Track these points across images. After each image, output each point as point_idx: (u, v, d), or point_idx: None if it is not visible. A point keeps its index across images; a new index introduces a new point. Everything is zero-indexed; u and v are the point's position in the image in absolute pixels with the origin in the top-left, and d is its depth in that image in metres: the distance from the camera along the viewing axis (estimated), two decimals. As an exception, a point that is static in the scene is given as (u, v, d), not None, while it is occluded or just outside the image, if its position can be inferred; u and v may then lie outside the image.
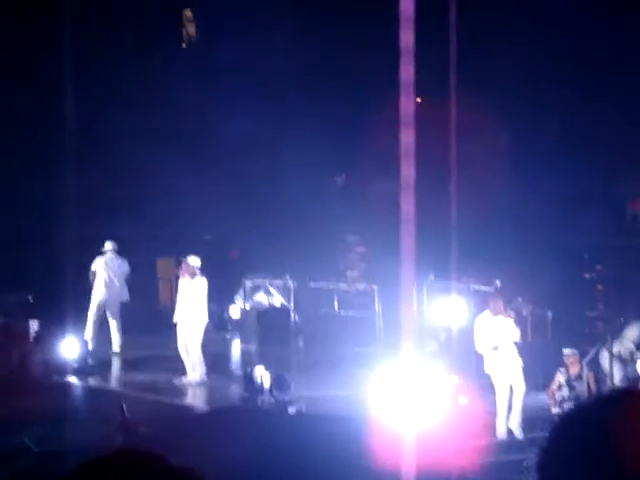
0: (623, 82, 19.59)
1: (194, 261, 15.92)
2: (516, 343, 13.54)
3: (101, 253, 17.54)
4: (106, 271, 17.28)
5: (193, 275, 15.76)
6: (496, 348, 13.59)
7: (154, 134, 22.73)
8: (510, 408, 13.51)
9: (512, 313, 13.89)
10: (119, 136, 22.60)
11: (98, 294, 17.29)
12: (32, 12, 21.87)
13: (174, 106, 22.97)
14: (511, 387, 13.58)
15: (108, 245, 17.48)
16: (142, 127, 22.64)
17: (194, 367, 15.66)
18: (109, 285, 17.30)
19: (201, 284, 15.75)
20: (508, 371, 13.49)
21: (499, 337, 13.69)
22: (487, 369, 13.80)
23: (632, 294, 18.61)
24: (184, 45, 25.61)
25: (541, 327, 15.36)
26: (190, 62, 23.98)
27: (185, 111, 23.01)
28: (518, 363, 13.44)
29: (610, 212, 19.86)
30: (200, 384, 15.62)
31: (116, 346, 17.29)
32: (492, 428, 13.57)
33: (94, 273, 17.18)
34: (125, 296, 17.56)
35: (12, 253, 20.35)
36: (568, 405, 13.08)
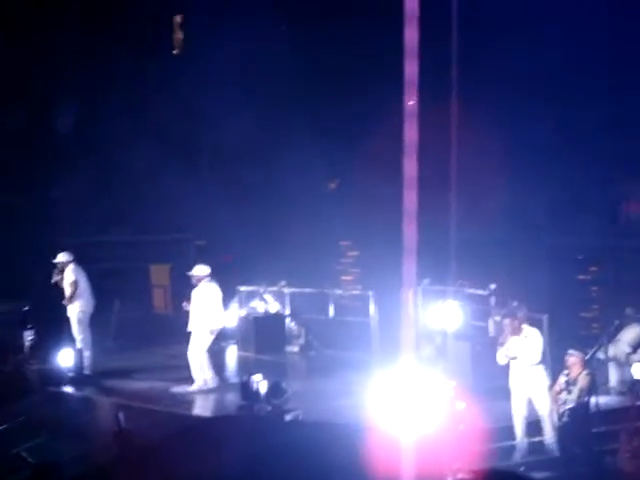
0: (619, 84, 19.57)
1: (197, 270, 15.94)
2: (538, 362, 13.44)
3: (66, 263, 17.22)
4: (84, 280, 17.15)
5: (200, 283, 15.83)
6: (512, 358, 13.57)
7: (147, 140, 22.70)
8: (526, 422, 13.47)
9: (531, 332, 13.77)
10: (112, 142, 22.57)
11: (88, 303, 17.17)
12: (24, 15, 21.85)
13: (167, 111, 22.93)
14: (531, 402, 13.54)
15: (66, 256, 17.19)
16: (135, 133, 22.61)
17: (198, 372, 15.70)
18: (87, 295, 17.17)
19: (204, 290, 15.78)
20: (525, 389, 13.46)
21: (513, 356, 13.65)
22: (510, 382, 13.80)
23: (627, 295, 18.59)
24: (176, 51, 25.58)
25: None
26: (182, 68, 23.94)
27: (178, 116, 22.98)
28: (539, 382, 13.37)
29: (605, 214, 19.84)
30: (197, 393, 15.55)
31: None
32: (491, 433, 13.51)
33: (76, 282, 17.01)
34: (93, 305, 17.44)
35: (7, 262, 20.29)
36: (566, 408, 13.03)
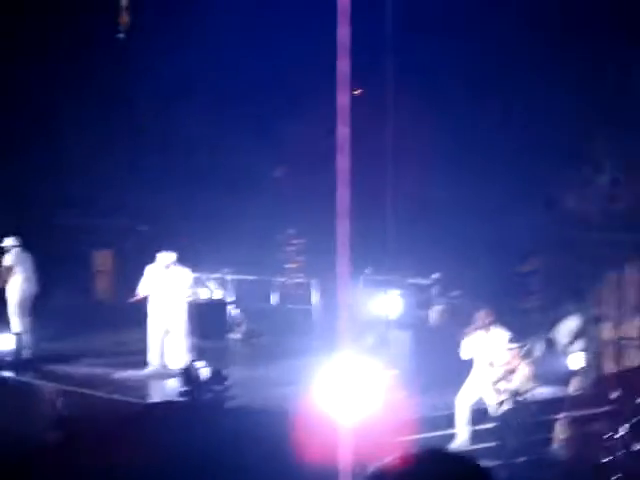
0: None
1: (167, 258, 16.05)
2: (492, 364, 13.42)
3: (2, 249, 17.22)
4: (22, 265, 17.08)
5: (170, 268, 15.93)
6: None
7: (91, 123, 22.57)
8: (470, 411, 13.56)
9: (500, 335, 13.67)
10: (56, 125, 22.40)
11: (29, 288, 17.09)
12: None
13: (111, 96, 22.80)
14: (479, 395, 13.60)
15: (11, 241, 17.18)
16: (79, 116, 22.47)
17: (177, 352, 15.78)
18: (29, 280, 17.11)
19: (179, 273, 15.98)
20: (481, 385, 13.52)
21: (480, 353, 13.63)
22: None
23: (566, 286, 18.81)
24: (121, 34, 25.40)
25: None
26: (126, 50, 23.78)
27: (123, 99, 22.85)
28: (490, 380, 13.42)
29: (541, 202, 20.00)
30: (146, 377, 15.57)
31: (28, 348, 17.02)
32: (431, 421, 13.67)
33: (11, 267, 16.96)
34: (35, 290, 17.36)
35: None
36: (505, 398, 13.23)
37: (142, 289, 15.99)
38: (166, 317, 15.94)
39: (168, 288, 15.96)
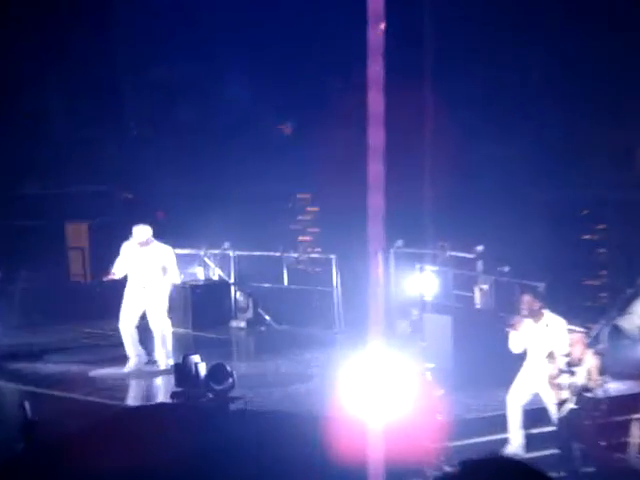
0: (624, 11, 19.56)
1: (143, 231, 15.85)
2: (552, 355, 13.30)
3: None
4: None
5: (148, 245, 15.75)
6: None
7: (63, 79, 22.60)
8: (523, 412, 13.48)
9: (554, 321, 13.58)
10: (26, 91, 22.50)
11: None
12: None
13: (83, 46, 22.81)
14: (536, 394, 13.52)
15: None
16: (49, 72, 22.52)
17: (163, 344, 15.69)
18: None
19: (160, 250, 15.80)
20: (536, 381, 13.42)
21: (529, 346, 13.53)
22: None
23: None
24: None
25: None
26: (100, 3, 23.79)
27: (97, 50, 22.83)
28: (548, 374, 13.31)
29: (614, 162, 19.89)
30: (126, 376, 15.52)
31: None
32: (476, 425, 13.59)
33: None
34: None
35: None
36: (569, 396, 13.09)
37: (117, 269, 15.87)
38: (143, 303, 15.78)
39: (145, 268, 15.78)
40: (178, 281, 16.45)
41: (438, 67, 20.38)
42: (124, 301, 15.78)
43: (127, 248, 15.91)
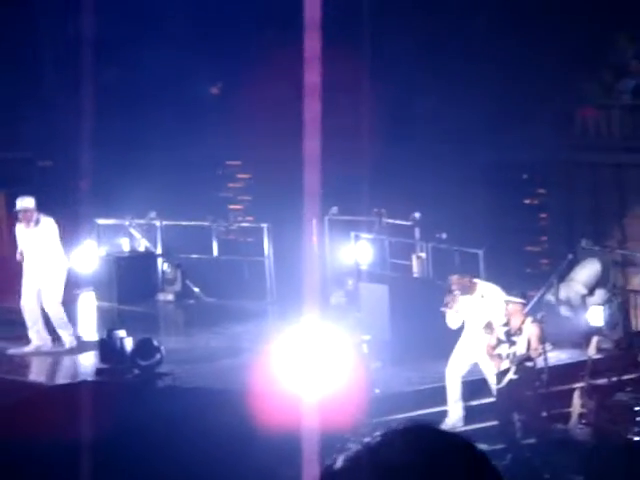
0: None
1: (26, 203, 15.53)
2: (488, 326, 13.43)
3: None
4: None
5: (33, 220, 15.41)
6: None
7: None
8: (462, 383, 13.60)
9: (488, 290, 13.71)
10: None
11: None
12: None
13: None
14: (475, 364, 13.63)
15: None
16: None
17: (63, 327, 15.47)
18: None
19: (47, 227, 15.45)
20: (475, 351, 13.52)
21: (466, 318, 13.64)
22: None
23: (583, 224, 18.84)
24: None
25: (471, 269, 15.41)
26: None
27: (14, 16, 22.63)
28: (488, 344, 13.42)
29: (555, 125, 19.98)
30: (70, 350, 15.36)
31: None
32: (415, 397, 13.67)
33: None
34: None
35: None
36: (508, 366, 13.20)
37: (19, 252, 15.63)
38: (36, 282, 15.49)
39: (33, 245, 15.45)
40: (65, 264, 15.77)
41: (375, 20, 20.30)
42: (23, 281, 15.54)
43: (18, 229, 15.61)
